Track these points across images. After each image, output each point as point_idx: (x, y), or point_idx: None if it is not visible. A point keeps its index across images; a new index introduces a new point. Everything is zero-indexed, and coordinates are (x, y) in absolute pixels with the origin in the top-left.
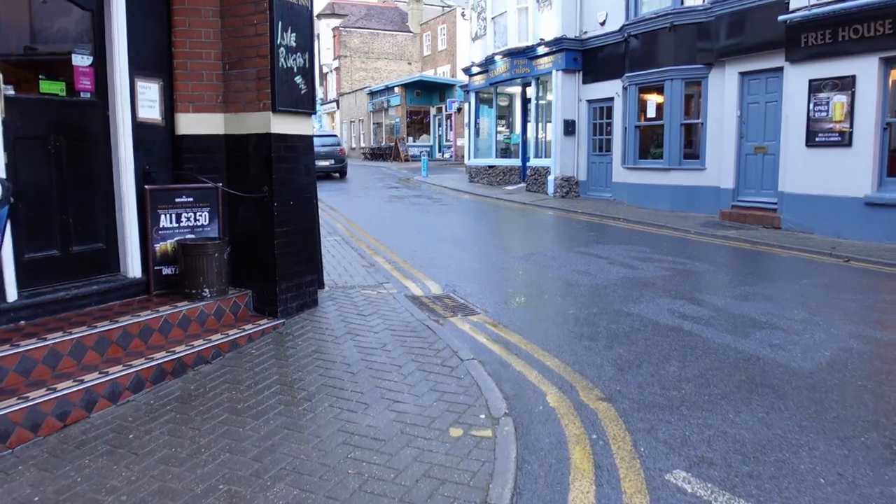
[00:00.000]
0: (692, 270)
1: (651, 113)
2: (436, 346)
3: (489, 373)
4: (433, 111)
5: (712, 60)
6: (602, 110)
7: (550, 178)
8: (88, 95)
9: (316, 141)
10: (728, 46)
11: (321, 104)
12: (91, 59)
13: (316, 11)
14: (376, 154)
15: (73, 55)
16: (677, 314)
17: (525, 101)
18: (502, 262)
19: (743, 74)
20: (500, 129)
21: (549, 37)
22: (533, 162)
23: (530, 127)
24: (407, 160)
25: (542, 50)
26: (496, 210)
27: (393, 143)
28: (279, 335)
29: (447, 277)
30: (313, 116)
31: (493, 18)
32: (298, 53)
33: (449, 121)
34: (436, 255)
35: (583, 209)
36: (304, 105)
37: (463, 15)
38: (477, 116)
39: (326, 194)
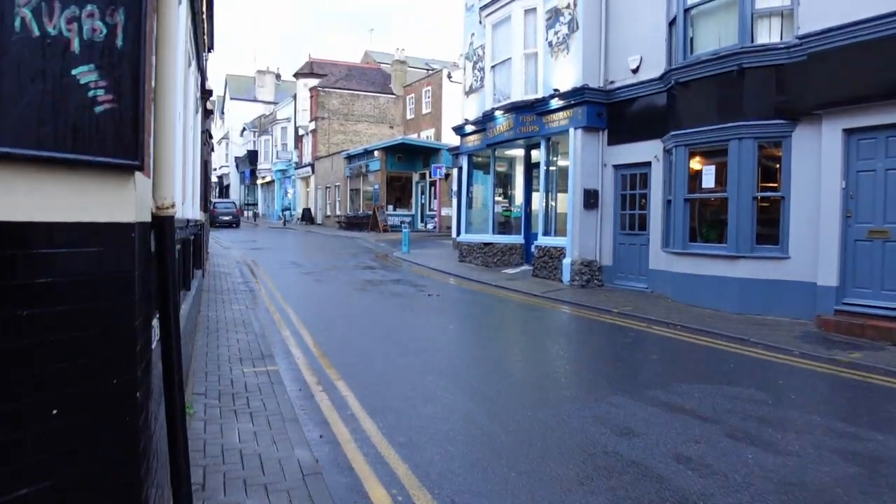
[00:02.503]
0: (884, 459)
1: (708, 182)
2: None
3: None
4: (416, 177)
5: (799, 114)
6: (633, 178)
7: (566, 261)
8: None
9: (220, 206)
10: (826, 95)
11: (295, 167)
12: None
13: (293, 70)
14: (353, 223)
15: None
16: None
17: (529, 167)
18: (536, 428)
19: (849, 132)
20: (497, 198)
21: (564, 87)
22: (542, 241)
23: (537, 198)
24: (386, 230)
25: (555, 103)
26: (499, 306)
27: (371, 212)
28: None
29: (443, 470)
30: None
31: (492, 67)
32: (92, 7)
33: (433, 188)
34: (424, 405)
35: (617, 306)
36: (98, 144)
37: (449, 77)
38: (470, 184)
39: (284, 277)
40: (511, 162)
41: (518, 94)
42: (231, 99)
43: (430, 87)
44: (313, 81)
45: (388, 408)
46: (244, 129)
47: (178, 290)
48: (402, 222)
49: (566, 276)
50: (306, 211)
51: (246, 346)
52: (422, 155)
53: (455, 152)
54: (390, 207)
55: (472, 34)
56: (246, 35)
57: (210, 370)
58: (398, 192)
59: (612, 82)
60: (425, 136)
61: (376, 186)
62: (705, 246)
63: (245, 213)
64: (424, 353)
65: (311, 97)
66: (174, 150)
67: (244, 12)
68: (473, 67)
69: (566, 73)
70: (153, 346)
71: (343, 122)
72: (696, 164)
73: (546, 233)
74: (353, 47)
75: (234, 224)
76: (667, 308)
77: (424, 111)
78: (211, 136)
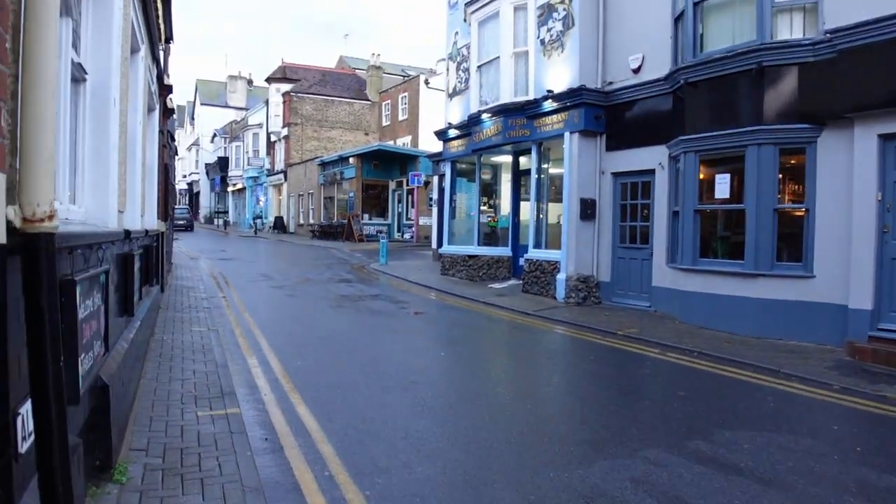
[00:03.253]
0: None
1: (722, 193)
2: None
3: None
4: (392, 185)
5: (826, 118)
6: (635, 187)
7: (560, 277)
8: None
9: (176, 211)
10: (859, 97)
11: (267, 175)
12: None
13: (266, 75)
14: (326, 232)
15: None
16: None
17: (517, 174)
18: (567, 502)
19: (885, 138)
20: (482, 207)
21: (559, 88)
22: (533, 254)
23: (526, 207)
24: (361, 240)
25: (549, 106)
26: (491, 327)
27: (346, 221)
28: None
29: None
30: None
31: (479, 68)
32: None
33: (410, 197)
34: (420, 463)
35: (621, 328)
36: None
37: (427, 83)
38: (453, 192)
39: (253, 292)
40: (497, 169)
41: (507, 96)
42: (201, 104)
43: (406, 94)
44: (286, 86)
45: (375, 467)
46: (215, 136)
47: (107, 338)
48: (378, 232)
49: (560, 293)
50: (278, 219)
51: (203, 379)
52: (399, 162)
53: (436, 159)
54: (366, 216)
55: (456, 33)
56: (217, 41)
57: (157, 414)
58: (374, 200)
59: (610, 83)
60: (402, 143)
61: (351, 194)
62: (718, 262)
63: (215, 221)
64: (414, 388)
65: (284, 102)
66: (56, 135)
67: (215, 17)
68: (457, 68)
69: (560, 74)
70: (22, 449)
71: (317, 129)
72: (707, 172)
73: (537, 245)
74: (328, 55)
75: (188, 227)
76: (676, 331)
77: (401, 118)
78: (173, 139)
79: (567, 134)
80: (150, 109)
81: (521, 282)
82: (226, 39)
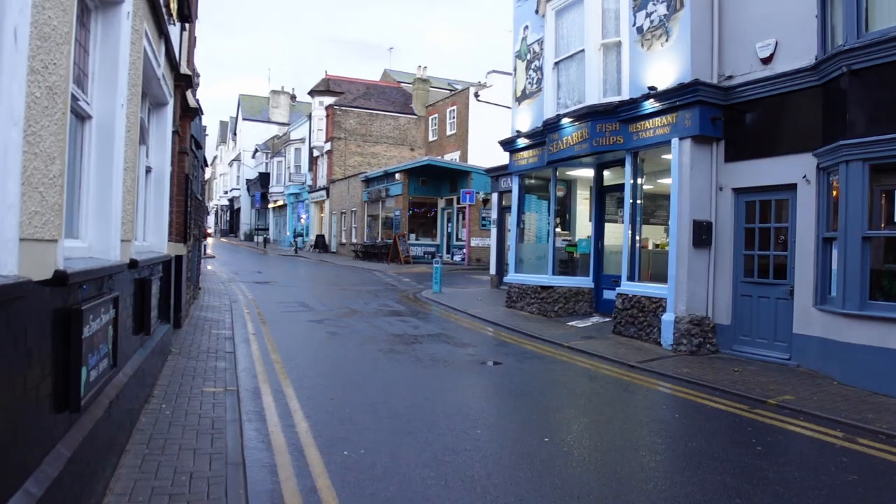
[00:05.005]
0: None
1: None
2: None
3: None
4: (441, 203)
5: None
6: (765, 207)
7: (667, 318)
8: None
9: None
10: None
11: (309, 191)
12: None
13: (308, 88)
14: (370, 253)
15: None
16: None
17: (601, 190)
18: None
19: None
20: (556, 230)
21: (664, 84)
22: (628, 288)
23: (611, 230)
24: (408, 262)
25: (650, 106)
26: (591, 388)
27: (391, 241)
28: None
29: None
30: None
31: (556, 64)
32: None
33: (461, 216)
34: None
35: (767, 393)
36: None
37: (477, 96)
38: (521, 211)
39: (288, 328)
40: (572, 184)
41: (594, 97)
42: (244, 119)
43: (455, 107)
44: (329, 99)
45: None
46: (256, 151)
47: None
48: (426, 253)
49: (667, 338)
50: (320, 238)
51: (202, 493)
52: (448, 178)
53: (497, 174)
54: (412, 236)
55: (525, 27)
56: (261, 58)
57: None
58: (421, 219)
59: (729, 77)
60: (450, 158)
61: (397, 213)
62: None
63: (255, 238)
64: None
65: (327, 116)
66: None
67: (258, 36)
68: (527, 68)
69: (664, 67)
70: None
71: (360, 143)
72: (878, 187)
73: (632, 277)
74: (371, 72)
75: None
76: (844, 398)
77: (449, 132)
78: (199, 145)
79: (675, 140)
80: (160, 103)
81: (607, 320)
82: (269, 56)
